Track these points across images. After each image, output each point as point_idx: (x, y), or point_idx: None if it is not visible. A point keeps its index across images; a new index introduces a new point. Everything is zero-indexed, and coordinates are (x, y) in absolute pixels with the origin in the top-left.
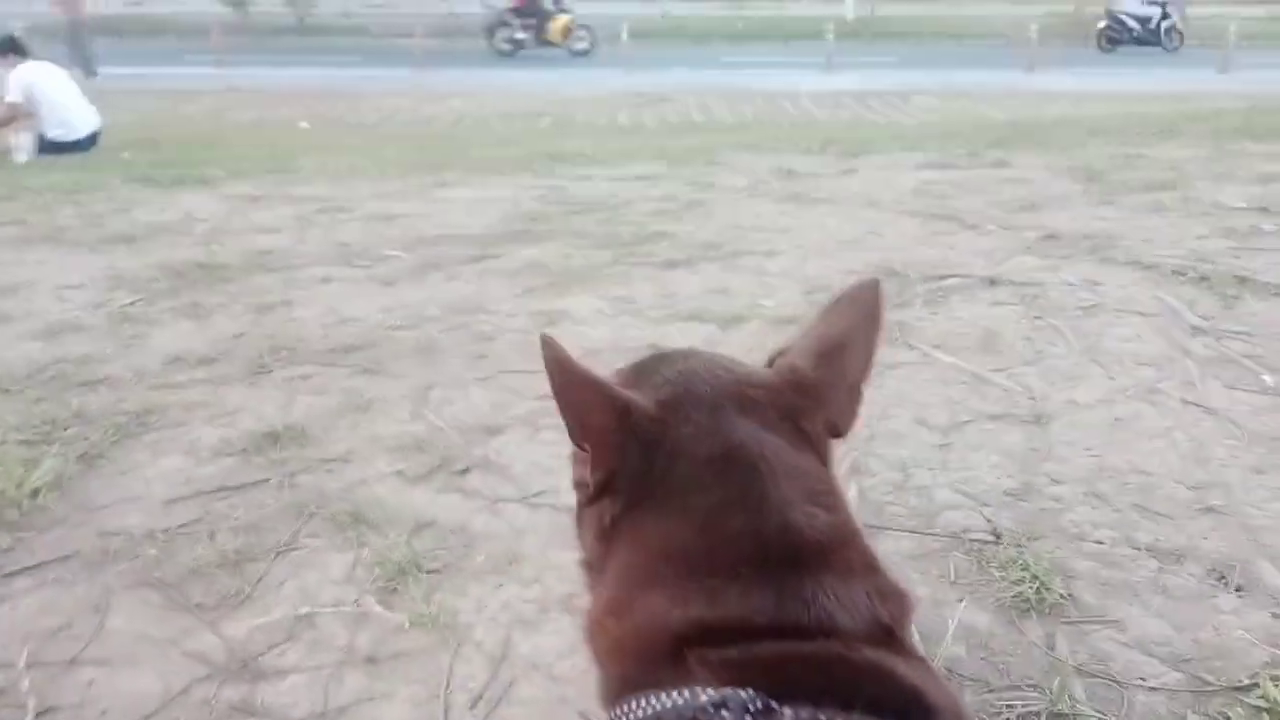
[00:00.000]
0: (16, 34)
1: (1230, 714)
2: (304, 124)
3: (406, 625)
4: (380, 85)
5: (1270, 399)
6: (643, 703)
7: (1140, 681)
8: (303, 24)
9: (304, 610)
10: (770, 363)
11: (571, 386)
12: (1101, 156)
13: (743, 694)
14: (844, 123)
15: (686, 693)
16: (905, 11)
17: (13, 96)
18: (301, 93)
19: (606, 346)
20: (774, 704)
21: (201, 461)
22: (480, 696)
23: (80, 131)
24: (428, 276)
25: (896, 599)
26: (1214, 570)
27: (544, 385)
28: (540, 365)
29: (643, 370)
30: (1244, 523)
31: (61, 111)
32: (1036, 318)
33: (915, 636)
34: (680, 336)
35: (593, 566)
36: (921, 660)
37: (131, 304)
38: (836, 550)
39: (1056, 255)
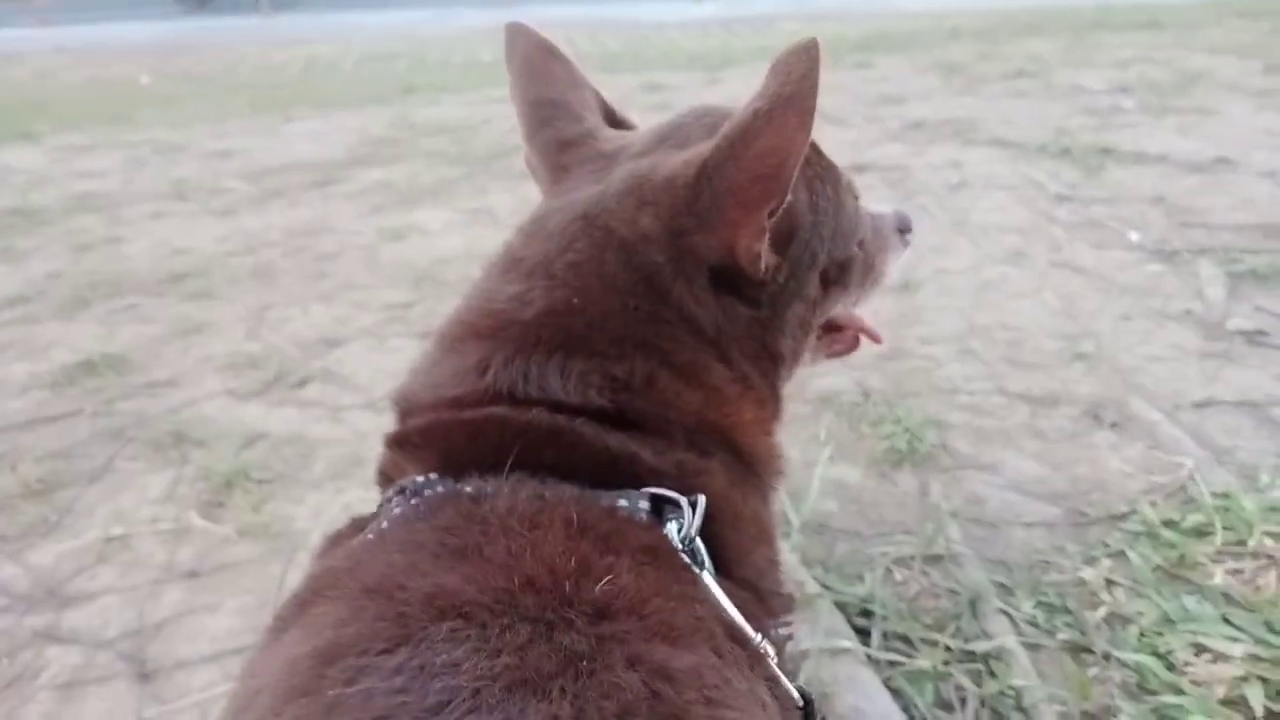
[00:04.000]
0: None
1: (1108, 540)
2: (145, 79)
3: (234, 537)
4: (226, 36)
5: (1137, 254)
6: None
7: (1016, 519)
8: None
9: (117, 531)
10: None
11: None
12: (963, 53)
13: (419, 478)
14: (710, 48)
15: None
16: None
17: None
18: (140, 49)
19: (459, 255)
20: (444, 485)
21: (8, 397)
22: None
23: None
24: (268, 205)
25: (626, 385)
26: (1088, 411)
27: (391, 295)
28: (382, 277)
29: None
30: (1115, 366)
31: None
32: (904, 198)
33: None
34: None
35: None
36: (674, 446)
37: None
38: (550, 333)
39: (921, 141)
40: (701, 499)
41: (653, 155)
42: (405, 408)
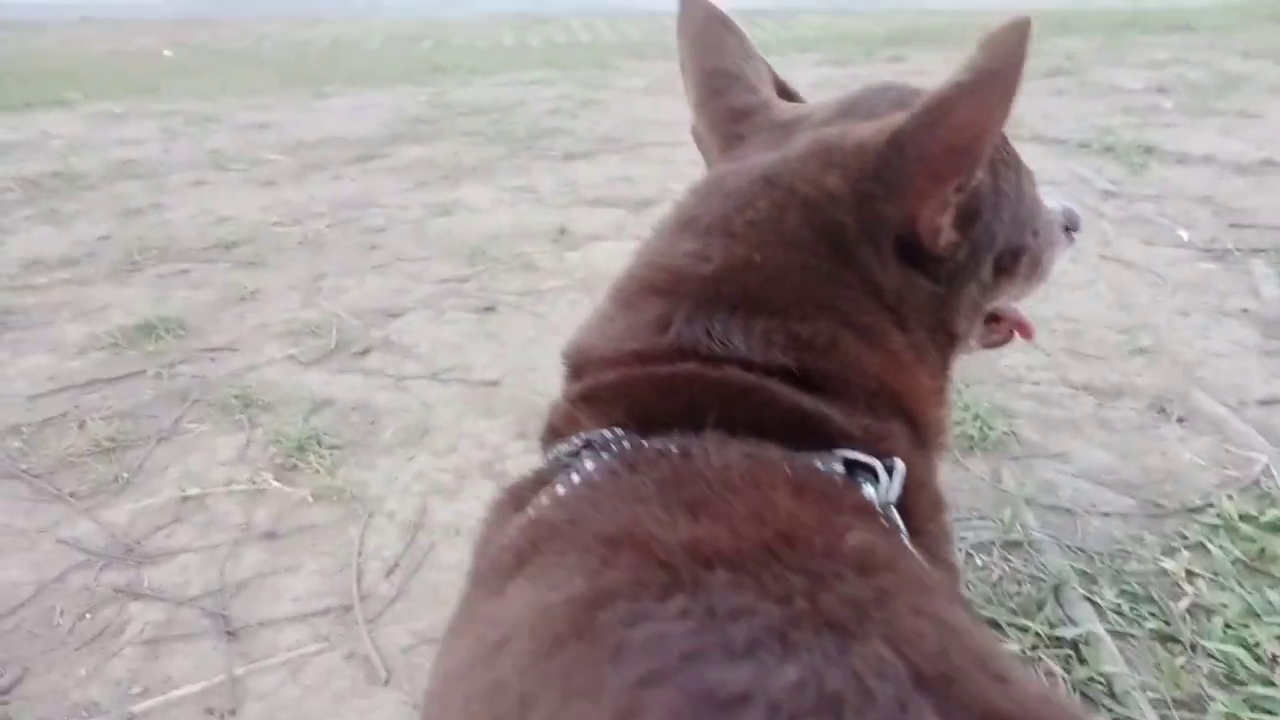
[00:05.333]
0: None
1: (1186, 532)
2: (168, 52)
3: (310, 499)
4: (249, 10)
5: (1187, 251)
6: (544, 457)
7: (1092, 508)
8: None
9: (192, 491)
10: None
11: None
12: None
13: (608, 433)
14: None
15: (573, 440)
16: None
17: None
18: (161, 21)
19: (508, 231)
20: (639, 440)
21: (68, 357)
22: (396, 565)
23: None
24: (310, 177)
25: (807, 344)
26: (1153, 404)
27: (445, 269)
28: (434, 251)
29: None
30: (1176, 359)
31: None
32: None
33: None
34: (587, 221)
35: None
36: (856, 409)
37: None
38: (730, 289)
39: None
40: (900, 464)
41: (838, 124)
42: (580, 363)
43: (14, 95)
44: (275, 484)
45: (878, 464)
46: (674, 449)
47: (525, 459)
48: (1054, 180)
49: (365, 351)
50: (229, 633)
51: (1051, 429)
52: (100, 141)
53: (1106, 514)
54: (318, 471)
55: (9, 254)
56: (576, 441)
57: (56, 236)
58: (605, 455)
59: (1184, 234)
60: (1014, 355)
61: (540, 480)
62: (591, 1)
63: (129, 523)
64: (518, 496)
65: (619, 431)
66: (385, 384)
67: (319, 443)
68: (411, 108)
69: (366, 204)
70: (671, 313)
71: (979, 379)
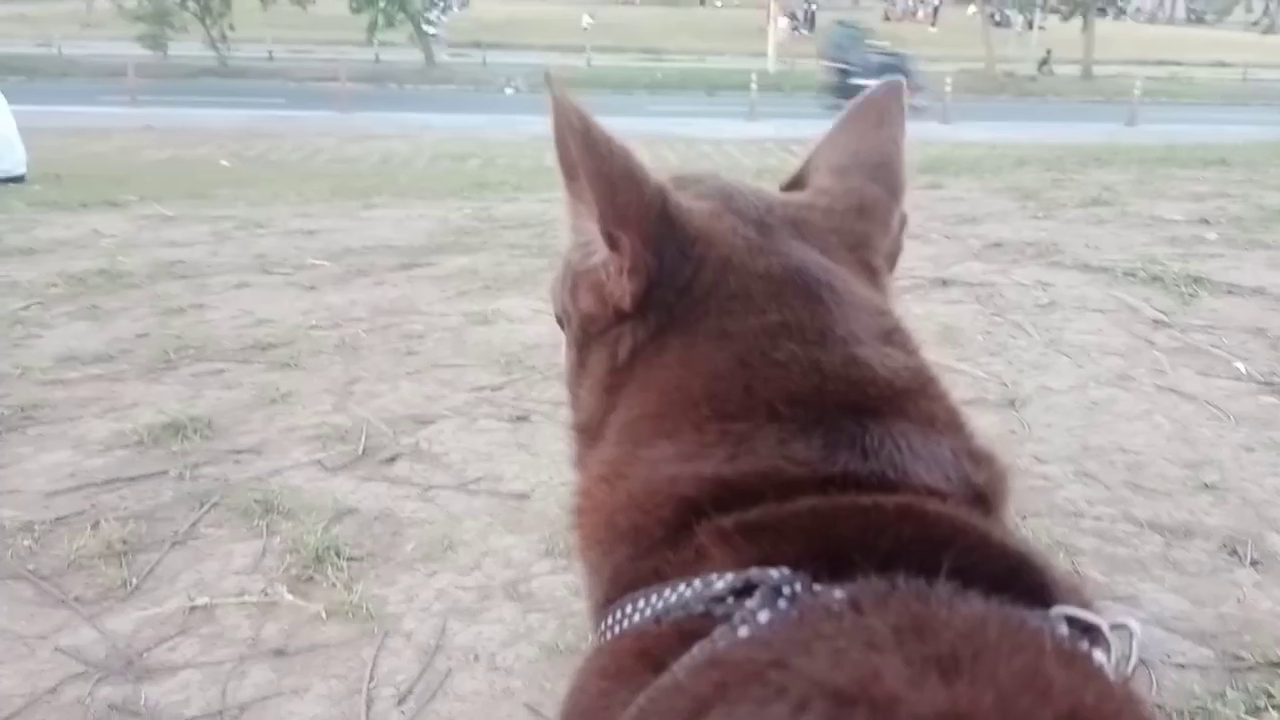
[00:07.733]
0: None
1: (1272, 689)
2: (225, 161)
3: (323, 615)
4: (303, 126)
5: (1246, 385)
6: (633, 607)
7: (1166, 659)
8: (224, 65)
9: (201, 601)
10: (790, 186)
11: (598, 151)
12: (1034, 179)
13: (774, 573)
14: (769, 165)
15: (696, 582)
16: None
17: None
18: (221, 132)
19: (546, 341)
20: (817, 584)
21: (90, 454)
22: (410, 691)
23: (6, 170)
24: (352, 282)
25: (989, 464)
26: (1225, 545)
27: (480, 377)
28: (471, 359)
29: (676, 181)
30: (1245, 498)
31: None
32: (994, 314)
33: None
34: None
35: (588, 428)
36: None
37: (25, 308)
38: (914, 398)
39: (1004, 260)
40: (1135, 625)
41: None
42: (750, 487)
43: (71, 196)
44: (289, 597)
45: (1101, 624)
46: (901, 592)
47: (552, 579)
48: (1101, 308)
49: (393, 459)
50: None
51: (1117, 569)
52: (149, 242)
53: (1182, 665)
54: (334, 585)
55: (44, 349)
56: (728, 580)
57: (94, 332)
58: (783, 602)
59: (1241, 366)
60: (1071, 487)
61: (681, 630)
62: (630, 127)
63: (133, 632)
64: (644, 650)
65: (787, 572)
66: (411, 493)
67: (338, 554)
68: (457, 220)
69: (407, 310)
70: (864, 431)
71: (1035, 511)
